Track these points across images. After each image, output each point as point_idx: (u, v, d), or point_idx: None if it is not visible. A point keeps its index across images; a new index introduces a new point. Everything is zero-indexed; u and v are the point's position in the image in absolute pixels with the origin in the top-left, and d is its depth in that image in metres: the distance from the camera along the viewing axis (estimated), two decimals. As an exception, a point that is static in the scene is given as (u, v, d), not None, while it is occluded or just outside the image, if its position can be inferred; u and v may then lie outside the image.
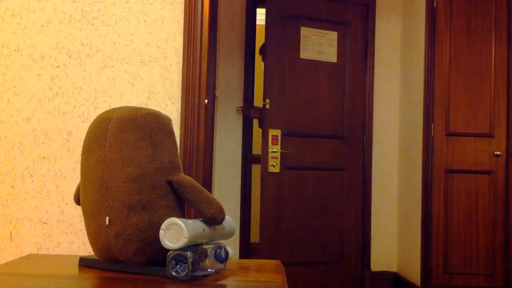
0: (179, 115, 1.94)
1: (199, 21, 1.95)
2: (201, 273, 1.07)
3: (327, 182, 3.78)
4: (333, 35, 3.77)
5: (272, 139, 3.49)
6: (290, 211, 3.60)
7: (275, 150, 3.49)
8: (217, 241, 1.15)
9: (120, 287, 1.05)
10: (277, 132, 3.53)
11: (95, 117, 1.18)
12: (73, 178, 1.92)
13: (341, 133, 3.85)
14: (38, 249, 1.91)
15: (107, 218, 1.10)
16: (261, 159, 3.49)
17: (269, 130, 3.51)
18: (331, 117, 3.81)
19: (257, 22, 4.20)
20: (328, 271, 3.76)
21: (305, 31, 3.68)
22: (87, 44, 1.96)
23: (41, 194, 1.92)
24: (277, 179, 3.56)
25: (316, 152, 3.75)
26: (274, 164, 3.49)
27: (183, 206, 1.15)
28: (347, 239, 3.85)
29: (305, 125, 3.70)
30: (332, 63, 3.77)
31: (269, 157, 3.49)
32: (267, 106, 3.54)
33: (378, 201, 3.92)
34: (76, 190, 1.24)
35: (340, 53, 3.80)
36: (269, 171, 3.50)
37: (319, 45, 3.72)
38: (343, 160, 3.83)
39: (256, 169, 4.00)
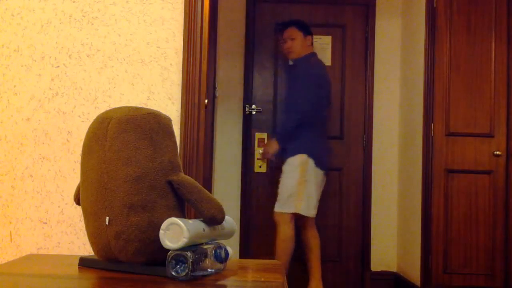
0: (179, 115, 1.94)
1: (199, 21, 1.95)
2: (201, 273, 1.07)
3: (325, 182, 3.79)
4: (326, 39, 3.96)
5: (258, 141, 3.94)
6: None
7: (261, 151, 3.80)
8: (217, 241, 1.15)
9: (120, 287, 1.05)
10: (263, 135, 3.93)
11: (95, 117, 1.18)
12: (73, 178, 1.92)
13: (340, 133, 3.89)
14: (38, 249, 1.91)
15: (107, 218, 1.10)
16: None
17: (256, 133, 3.94)
18: (329, 117, 3.82)
19: (257, 22, 4.23)
20: (328, 271, 3.76)
21: None
22: (87, 44, 1.95)
23: (41, 194, 1.92)
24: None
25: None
26: (260, 165, 3.92)
27: (183, 206, 1.15)
28: (347, 239, 3.84)
29: None
30: (327, 66, 3.85)
31: (255, 159, 3.94)
32: (253, 112, 3.91)
33: (378, 201, 3.92)
34: (76, 190, 1.24)
35: (335, 55, 3.93)
36: (255, 171, 3.92)
37: None
38: (341, 160, 3.89)
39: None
